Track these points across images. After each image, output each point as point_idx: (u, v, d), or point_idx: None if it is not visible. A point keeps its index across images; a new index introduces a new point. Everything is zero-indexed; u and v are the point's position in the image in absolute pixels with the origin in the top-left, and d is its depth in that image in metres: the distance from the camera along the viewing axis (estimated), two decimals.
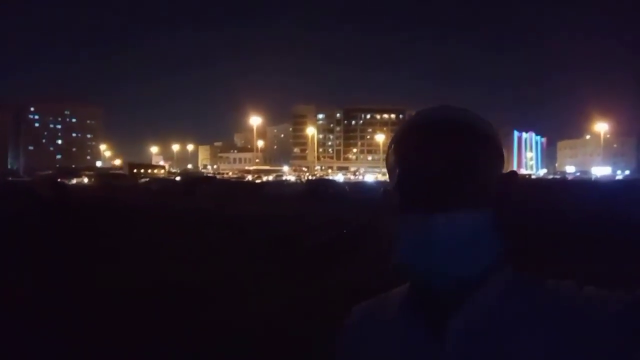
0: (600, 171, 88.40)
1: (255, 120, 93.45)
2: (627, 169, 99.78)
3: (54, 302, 5.22)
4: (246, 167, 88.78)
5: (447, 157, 0.59)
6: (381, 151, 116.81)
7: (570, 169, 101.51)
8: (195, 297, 5.86)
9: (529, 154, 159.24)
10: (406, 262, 0.60)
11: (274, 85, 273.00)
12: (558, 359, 0.52)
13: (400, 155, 0.62)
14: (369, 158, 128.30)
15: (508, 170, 0.64)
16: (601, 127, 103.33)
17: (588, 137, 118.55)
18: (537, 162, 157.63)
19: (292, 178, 65.15)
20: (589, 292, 0.56)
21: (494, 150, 0.63)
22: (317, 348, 3.67)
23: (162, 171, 72.61)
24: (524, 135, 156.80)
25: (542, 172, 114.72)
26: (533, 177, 79.61)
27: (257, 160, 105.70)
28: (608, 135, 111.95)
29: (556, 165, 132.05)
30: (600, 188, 31.55)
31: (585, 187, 30.43)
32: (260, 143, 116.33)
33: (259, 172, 71.71)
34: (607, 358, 0.51)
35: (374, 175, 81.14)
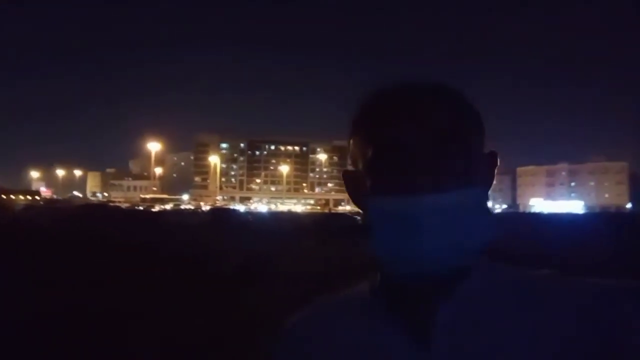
0: None
1: (153, 147, 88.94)
2: (504, 204, 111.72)
3: None
4: (141, 195, 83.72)
5: (436, 129, 0.51)
6: (284, 182, 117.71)
7: None
8: (105, 323, 5.43)
9: None
10: (387, 253, 0.52)
11: (176, 112, 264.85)
12: (548, 344, 0.49)
13: (374, 128, 0.53)
14: (272, 189, 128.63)
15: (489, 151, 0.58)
16: None
17: None
18: None
19: (190, 207, 62.91)
20: (572, 278, 0.54)
21: (481, 125, 0.56)
22: None
23: (38, 197, 66.19)
24: None
25: None
26: None
27: (154, 189, 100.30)
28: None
29: None
30: None
31: None
32: (158, 170, 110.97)
33: (153, 201, 68.05)
34: (591, 340, 0.48)
35: (267, 205, 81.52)
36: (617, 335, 0.48)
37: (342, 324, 0.57)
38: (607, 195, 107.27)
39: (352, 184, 0.58)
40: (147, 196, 77.09)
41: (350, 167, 0.59)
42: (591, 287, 0.52)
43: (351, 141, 0.57)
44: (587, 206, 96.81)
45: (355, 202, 0.57)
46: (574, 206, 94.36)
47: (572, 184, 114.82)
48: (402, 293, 0.54)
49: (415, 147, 0.50)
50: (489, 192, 0.56)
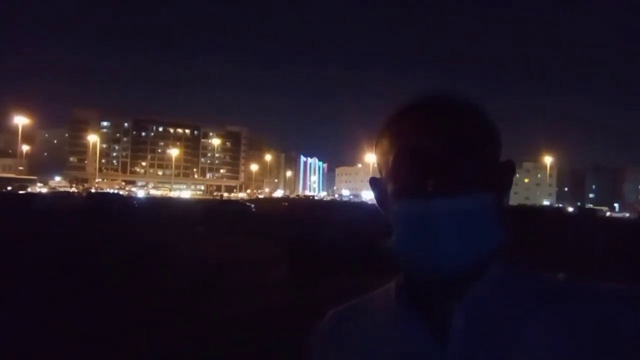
0: (369, 195, 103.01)
1: (20, 120, 78.59)
2: None
3: None
4: None
5: (452, 137, 0.55)
6: (173, 166, 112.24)
7: (345, 193, 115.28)
8: None
9: (313, 177, 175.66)
10: (406, 253, 0.56)
11: (49, 83, 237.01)
12: (563, 350, 0.50)
13: (396, 136, 0.58)
14: (160, 173, 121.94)
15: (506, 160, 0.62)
16: (370, 158, 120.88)
17: (360, 165, 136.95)
18: (319, 185, 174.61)
19: (43, 190, 52.67)
20: (588, 283, 0.55)
21: (496, 134, 0.60)
22: None
23: None
24: (309, 160, 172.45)
25: (323, 194, 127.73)
26: (316, 198, 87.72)
27: (20, 168, 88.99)
28: (376, 165, 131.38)
29: (335, 188, 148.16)
30: (367, 207, 37.38)
31: (357, 205, 35.25)
32: (25, 148, 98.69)
33: None
34: (608, 348, 0.49)
35: (146, 191, 76.64)
36: (635, 343, 0.49)
37: (368, 319, 0.62)
38: None
39: (377, 190, 0.63)
40: None
41: (377, 175, 0.64)
42: (608, 294, 0.53)
43: (376, 150, 0.62)
44: None
45: (381, 206, 0.63)
46: None
47: None
48: (421, 292, 0.58)
49: (430, 154, 0.54)
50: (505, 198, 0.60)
